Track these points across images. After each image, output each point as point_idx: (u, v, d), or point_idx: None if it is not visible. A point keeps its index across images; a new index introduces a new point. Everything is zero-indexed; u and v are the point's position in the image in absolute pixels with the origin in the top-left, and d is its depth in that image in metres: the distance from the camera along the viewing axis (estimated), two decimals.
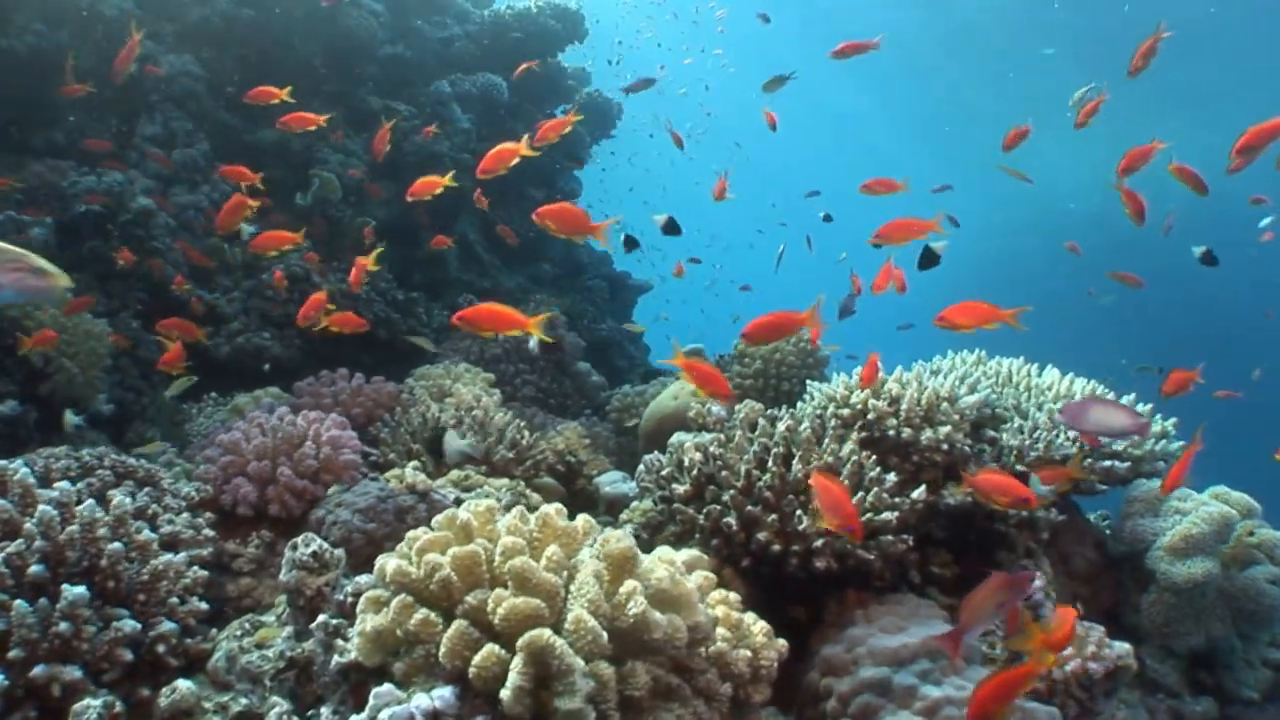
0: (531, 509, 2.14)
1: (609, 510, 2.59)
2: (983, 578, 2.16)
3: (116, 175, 3.53)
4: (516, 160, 2.22)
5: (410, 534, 1.35)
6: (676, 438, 2.50)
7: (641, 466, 2.49)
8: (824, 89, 15.29)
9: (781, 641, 1.48)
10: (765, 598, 2.02)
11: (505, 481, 2.16)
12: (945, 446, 2.13)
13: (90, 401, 2.93)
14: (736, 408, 2.56)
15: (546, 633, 1.13)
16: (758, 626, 1.46)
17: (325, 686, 1.39)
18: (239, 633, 1.58)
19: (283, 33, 4.35)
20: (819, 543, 1.85)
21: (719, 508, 1.96)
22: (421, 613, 1.23)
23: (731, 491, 1.94)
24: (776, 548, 1.88)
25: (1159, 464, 2.42)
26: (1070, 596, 2.23)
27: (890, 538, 1.90)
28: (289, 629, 1.53)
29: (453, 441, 1.92)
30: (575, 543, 1.34)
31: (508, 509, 2.07)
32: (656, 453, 2.57)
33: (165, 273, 3.62)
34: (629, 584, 1.23)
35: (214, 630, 1.65)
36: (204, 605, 1.65)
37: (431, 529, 1.39)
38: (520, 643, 1.13)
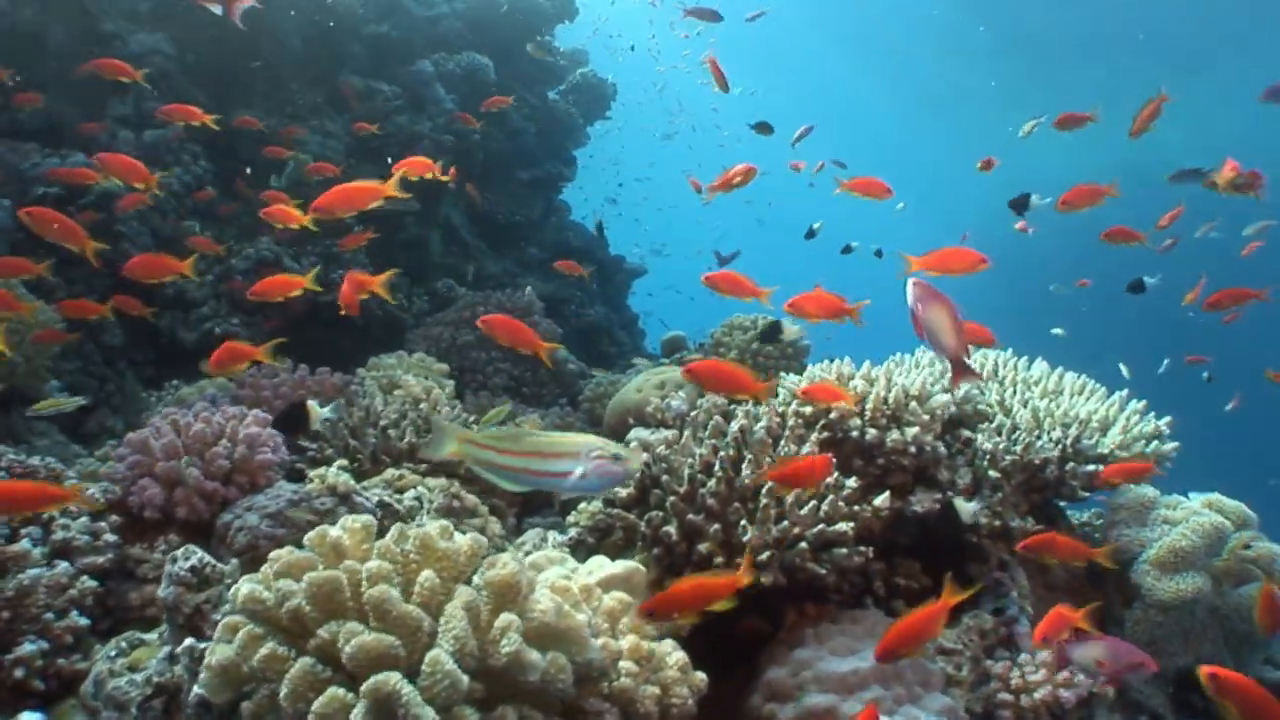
0: (467, 512, 1.98)
1: (563, 510, 2.43)
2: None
3: (78, 156, 3.39)
4: (378, 202, 2.03)
5: (274, 553, 1.19)
6: (633, 434, 2.32)
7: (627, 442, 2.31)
8: (825, 72, 14.98)
9: (700, 675, 1.30)
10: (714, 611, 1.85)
11: (442, 481, 1.99)
12: (913, 449, 1.94)
13: (38, 391, 2.79)
14: (698, 402, 2.38)
15: (393, 678, 0.96)
16: (673, 658, 1.29)
17: None
18: (114, 652, 1.43)
19: (262, 10, 4.17)
20: (765, 555, 1.67)
21: (660, 515, 1.78)
22: (269, 646, 1.07)
23: (673, 498, 1.77)
24: (719, 560, 1.70)
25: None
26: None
27: (844, 550, 1.72)
28: (166, 649, 1.38)
29: (316, 410, 1.77)
30: (457, 568, 1.17)
31: (441, 513, 1.91)
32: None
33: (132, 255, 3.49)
34: (503, 618, 1.06)
35: (98, 647, 1.50)
36: (84, 621, 1.50)
37: (304, 547, 1.22)
38: (364, 689, 0.96)
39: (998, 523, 1.92)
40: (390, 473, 2.04)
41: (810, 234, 3.18)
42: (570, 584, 1.20)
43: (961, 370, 1.61)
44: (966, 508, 1.79)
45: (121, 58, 3.77)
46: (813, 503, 1.72)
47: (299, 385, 2.33)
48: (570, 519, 2.10)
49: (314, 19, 4.28)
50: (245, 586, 1.12)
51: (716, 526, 1.71)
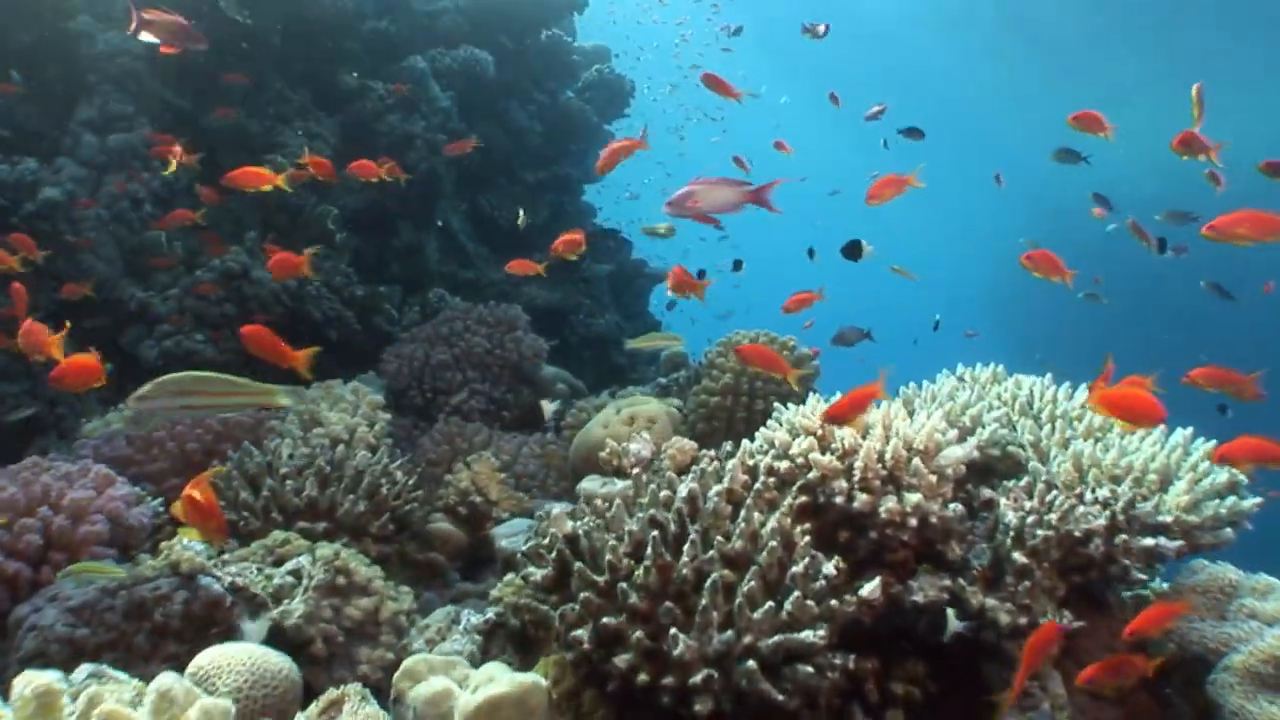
0: (357, 589, 1.57)
1: (507, 569, 2.01)
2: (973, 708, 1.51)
3: (30, 163, 3.08)
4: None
5: None
6: (583, 485, 1.89)
7: (535, 521, 1.89)
8: (850, 66, 14.30)
9: None
10: None
11: (328, 551, 1.58)
12: (914, 522, 1.47)
13: None
14: (663, 446, 1.94)
15: None
16: None
17: None
18: None
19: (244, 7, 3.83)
20: (700, 676, 1.22)
21: (575, 610, 1.34)
22: None
23: (588, 592, 1.32)
24: (644, 677, 1.25)
25: (1224, 532, 1.70)
26: None
27: (810, 669, 1.26)
28: None
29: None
30: None
31: (321, 591, 1.51)
32: (552, 504, 1.98)
33: (94, 268, 3.18)
34: None
35: None
36: None
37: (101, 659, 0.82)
38: None
39: (1024, 620, 1.43)
40: (275, 536, 1.64)
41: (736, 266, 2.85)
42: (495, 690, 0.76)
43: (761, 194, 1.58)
44: (952, 623, 1.34)
45: (89, 57, 3.47)
46: (770, 604, 1.26)
47: (199, 423, 1.96)
48: (494, 592, 1.68)
49: (300, 16, 3.93)
50: None
51: (639, 633, 1.26)
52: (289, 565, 1.56)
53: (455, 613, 1.62)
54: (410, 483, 1.93)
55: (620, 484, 1.82)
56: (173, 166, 2.73)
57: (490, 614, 1.60)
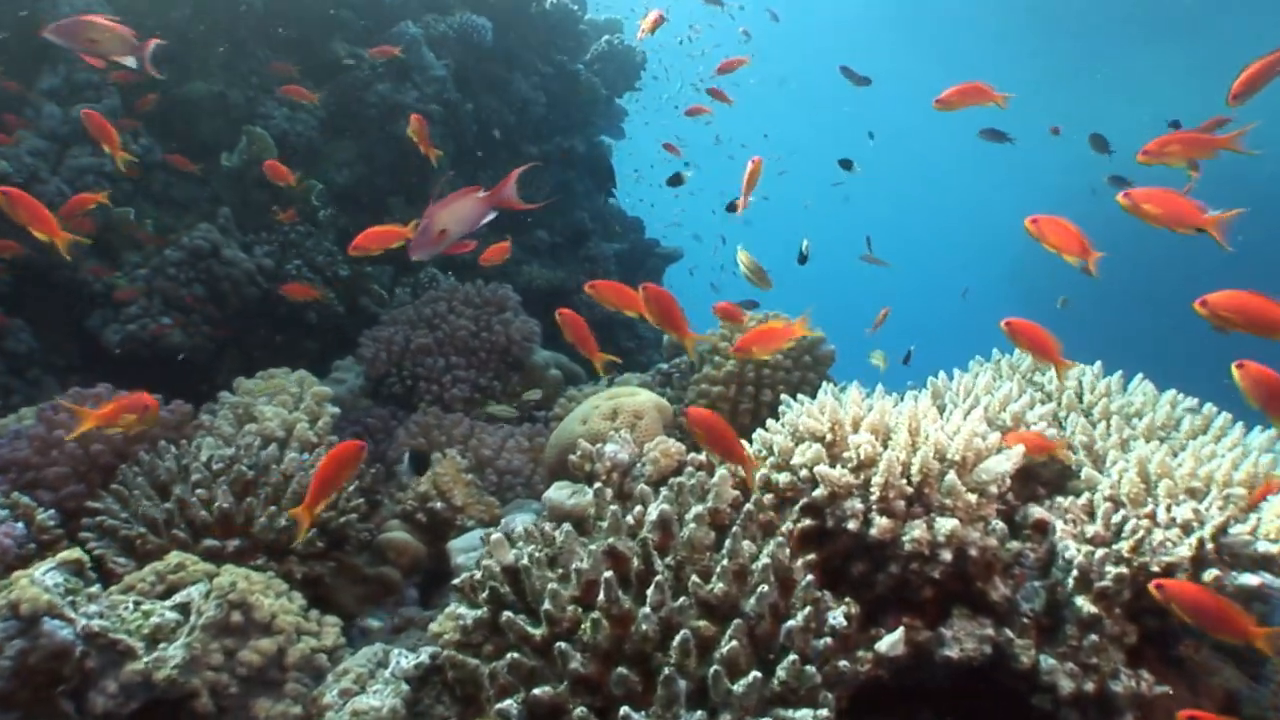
0: (258, 627, 1.26)
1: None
2: None
3: None
4: None
5: None
6: (551, 494, 1.56)
7: (489, 531, 1.57)
8: (879, 43, 13.74)
9: None
10: None
11: (226, 579, 1.27)
12: (947, 555, 1.12)
13: None
14: (645, 447, 1.60)
15: None
16: None
17: None
18: None
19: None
20: None
21: (506, 670, 1.02)
22: None
23: (519, 653, 1.00)
24: None
25: None
26: None
27: None
28: None
29: None
30: None
31: (213, 631, 1.19)
32: (517, 514, 1.66)
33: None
34: None
35: None
36: None
37: None
38: None
39: (1090, 685, 1.08)
40: (171, 559, 1.33)
41: (802, 259, 2.52)
42: None
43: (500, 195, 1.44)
44: None
45: (50, 19, 3.17)
46: (756, 674, 0.92)
47: (109, 419, 1.65)
48: (434, 626, 1.35)
49: None
50: None
51: (583, 709, 0.93)
52: (178, 598, 1.25)
53: (384, 653, 1.30)
54: (350, 489, 1.61)
55: (589, 494, 1.49)
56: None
57: (424, 655, 1.27)
